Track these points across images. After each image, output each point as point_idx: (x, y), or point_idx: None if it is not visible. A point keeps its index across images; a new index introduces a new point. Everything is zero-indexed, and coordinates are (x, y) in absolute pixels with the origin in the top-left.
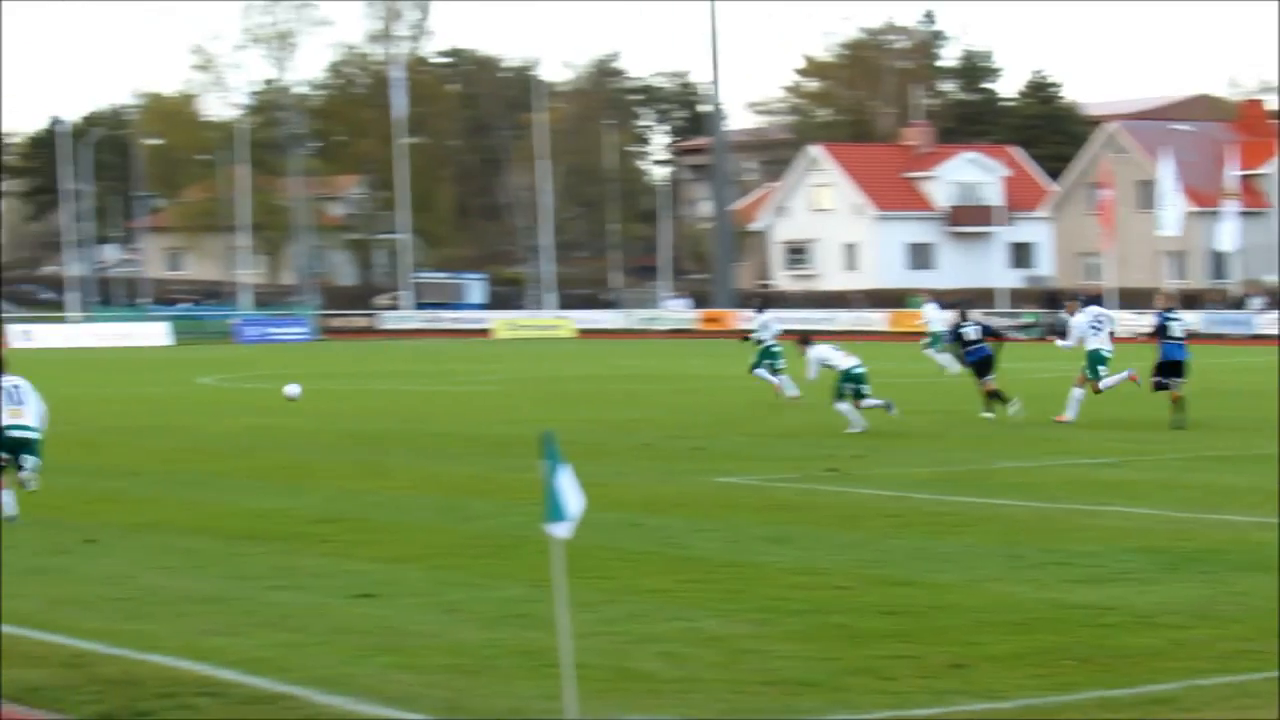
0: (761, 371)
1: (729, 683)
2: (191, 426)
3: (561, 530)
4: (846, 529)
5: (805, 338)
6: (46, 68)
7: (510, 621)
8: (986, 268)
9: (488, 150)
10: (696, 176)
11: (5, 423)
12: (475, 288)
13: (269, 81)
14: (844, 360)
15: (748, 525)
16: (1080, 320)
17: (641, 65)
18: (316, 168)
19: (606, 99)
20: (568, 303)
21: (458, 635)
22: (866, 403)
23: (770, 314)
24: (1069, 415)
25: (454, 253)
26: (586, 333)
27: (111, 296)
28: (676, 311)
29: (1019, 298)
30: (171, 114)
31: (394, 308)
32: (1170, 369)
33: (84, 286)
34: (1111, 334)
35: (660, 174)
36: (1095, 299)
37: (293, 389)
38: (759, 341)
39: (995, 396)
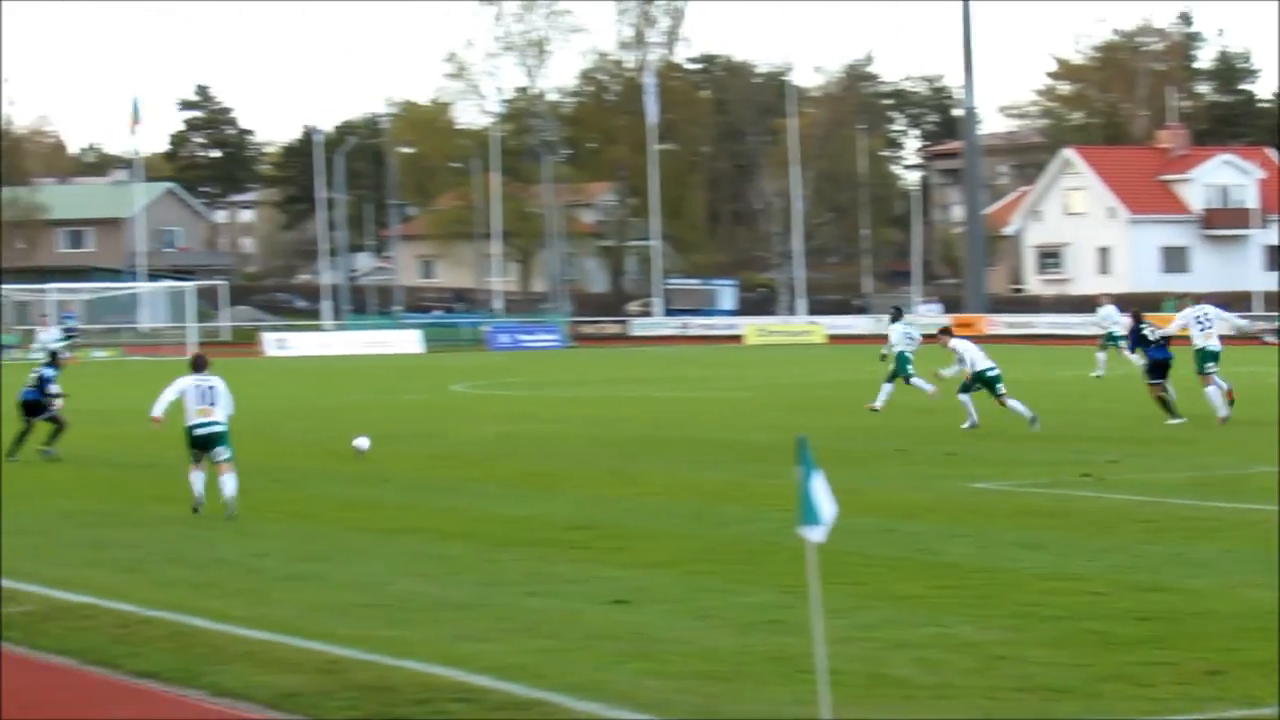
0: (919, 381)
1: (983, 689)
2: (444, 433)
3: (816, 534)
4: (1100, 535)
5: (947, 330)
6: (301, 76)
7: (762, 627)
8: (1242, 271)
9: (739, 156)
10: (948, 181)
11: (194, 421)
12: (726, 294)
13: (521, 89)
14: (981, 361)
15: (1000, 531)
16: None
17: (893, 69)
18: (568, 175)
19: (858, 103)
20: (818, 308)
21: (710, 641)
22: (1011, 404)
23: (902, 325)
24: None
25: (705, 259)
26: (837, 338)
27: (365, 304)
28: (928, 316)
29: (1274, 301)
30: (425, 122)
31: (645, 314)
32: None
33: (338, 294)
34: None
35: (912, 179)
36: None
37: (362, 442)
38: (893, 353)
39: (1164, 404)
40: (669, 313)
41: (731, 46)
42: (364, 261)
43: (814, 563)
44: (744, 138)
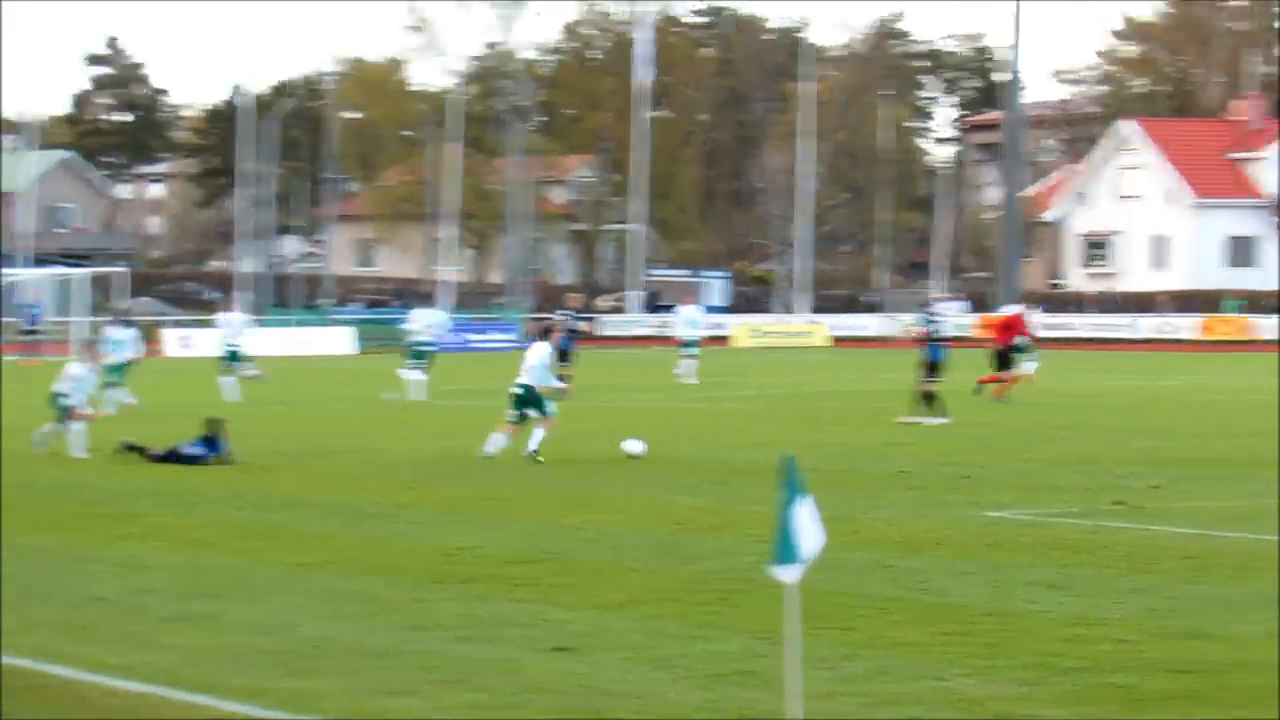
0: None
1: None
2: (372, 449)
3: (789, 574)
4: (1135, 572)
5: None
6: (231, 29)
7: (732, 680)
8: None
9: (742, 126)
10: (985, 157)
11: None
12: (716, 287)
13: (492, 45)
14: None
15: (1018, 568)
16: None
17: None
18: (539, 146)
19: (885, 66)
20: (822, 305)
21: (669, 695)
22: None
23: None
24: None
25: (694, 246)
26: (842, 340)
27: (289, 297)
28: (949, 315)
29: None
30: (375, 83)
31: (618, 310)
32: None
33: (257, 285)
34: None
35: (943, 155)
36: None
37: (634, 445)
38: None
39: None
40: (649, 309)
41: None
42: (291, 246)
43: (794, 605)
44: (749, 104)
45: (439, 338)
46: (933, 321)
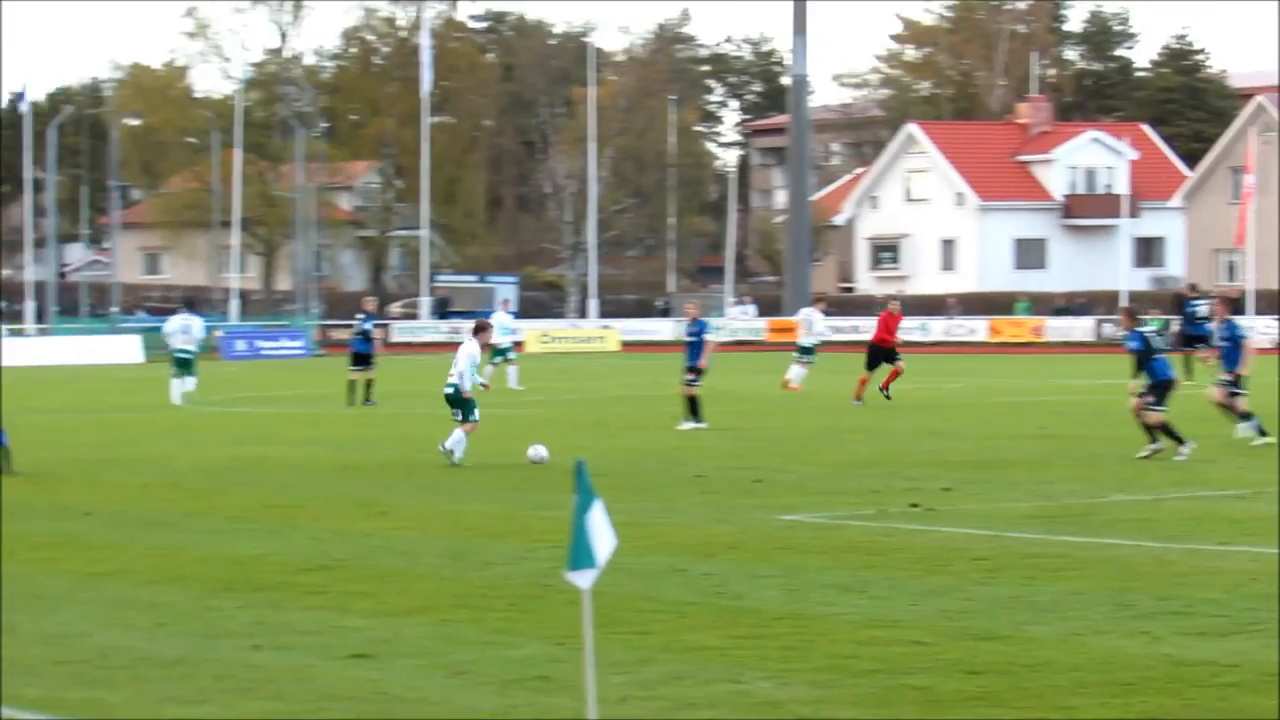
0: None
1: None
2: (163, 457)
3: (585, 579)
4: (928, 574)
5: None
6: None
7: (527, 685)
8: (1108, 267)
9: (527, 131)
10: (772, 161)
11: None
12: (506, 293)
13: (272, 51)
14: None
15: (813, 571)
16: None
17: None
18: (324, 152)
19: (670, 70)
20: (613, 310)
21: (465, 701)
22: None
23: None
24: None
25: (483, 252)
26: (633, 345)
27: (77, 305)
28: (739, 320)
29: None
30: (156, 89)
31: (410, 317)
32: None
33: (42, 293)
34: None
35: (729, 159)
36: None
37: (537, 451)
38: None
39: None
40: (439, 315)
41: (524, 3)
42: (77, 254)
43: (588, 610)
44: (535, 110)
45: (200, 344)
46: (693, 326)
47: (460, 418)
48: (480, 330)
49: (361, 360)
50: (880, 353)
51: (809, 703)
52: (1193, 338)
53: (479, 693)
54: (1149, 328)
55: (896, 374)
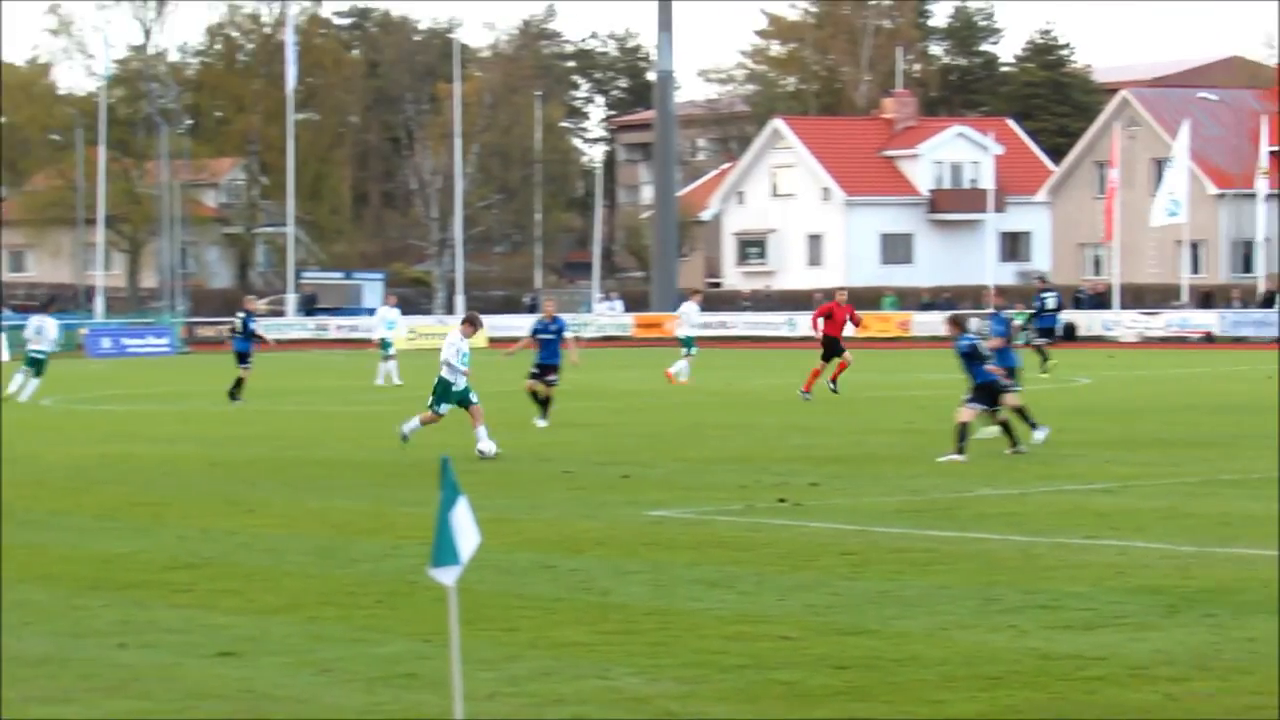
0: None
1: None
2: (28, 456)
3: (449, 576)
4: (796, 569)
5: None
6: None
7: (395, 682)
8: (974, 262)
9: (393, 128)
10: (638, 157)
11: None
12: (372, 290)
13: (136, 48)
14: None
15: (680, 566)
16: None
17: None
18: (189, 149)
19: (535, 66)
20: (480, 306)
21: (332, 699)
22: None
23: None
24: None
25: (349, 249)
26: (499, 341)
27: None
28: (606, 315)
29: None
30: (19, 87)
31: (277, 314)
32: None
33: None
34: None
35: (595, 154)
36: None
37: (486, 445)
38: None
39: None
40: (305, 312)
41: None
42: None
43: (454, 607)
44: (400, 106)
45: (54, 345)
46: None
47: (462, 405)
48: (467, 323)
49: (243, 358)
50: (832, 345)
51: (677, 698)
52: (1041, 330)
53: (346, 690)
54: (1006, 321)
55: (844, 366)
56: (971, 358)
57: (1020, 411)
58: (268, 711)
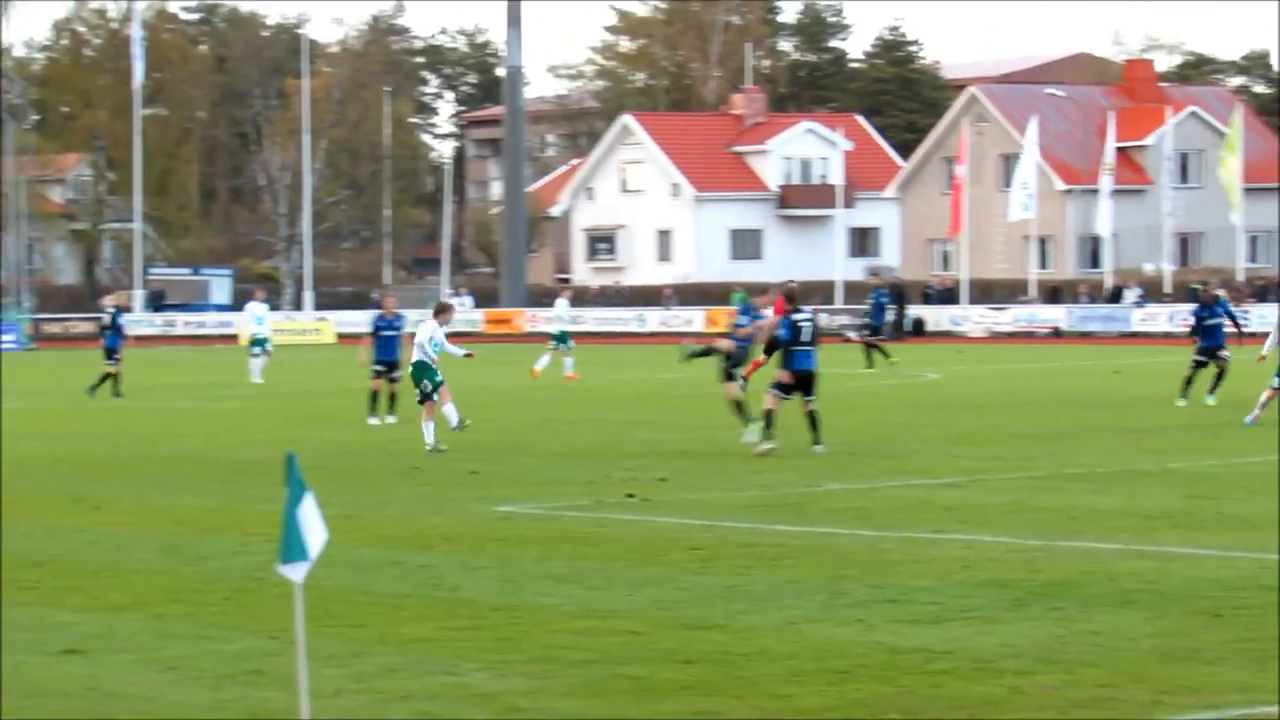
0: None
1: None
2: None
3: (297, 572)
4: (643, 564)
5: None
6: None
7: (241, 679)
8: (824, 257)
9: (241, 123)
10: (487, 153)
11: None
12: (220, 286)
13: None
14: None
15: (528, 562)
16: None
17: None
18: (35, 145)
19: (384, 62)
20: (330, 302)
21: (179, 696)
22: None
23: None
24: None
25: (197, 244)
26: (349, 338)
27: None
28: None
29: (859, 291)
30: None
31: (124, 310)
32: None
33: None
34: None
35: (445, 150)
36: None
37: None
38: None
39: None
40: (153, 308)
41: None
42: None
43: (300, 603)
44: (248, 101)
45: None
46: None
47: (430, 390)
48: (440, 311)
49: (111, 354)
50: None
51: (525, 693)
52: (873, 329)
53: (192, 688)
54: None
55: (757, 365)
56: (791, 342)
57: (738, 405)
58: (113, 710)
